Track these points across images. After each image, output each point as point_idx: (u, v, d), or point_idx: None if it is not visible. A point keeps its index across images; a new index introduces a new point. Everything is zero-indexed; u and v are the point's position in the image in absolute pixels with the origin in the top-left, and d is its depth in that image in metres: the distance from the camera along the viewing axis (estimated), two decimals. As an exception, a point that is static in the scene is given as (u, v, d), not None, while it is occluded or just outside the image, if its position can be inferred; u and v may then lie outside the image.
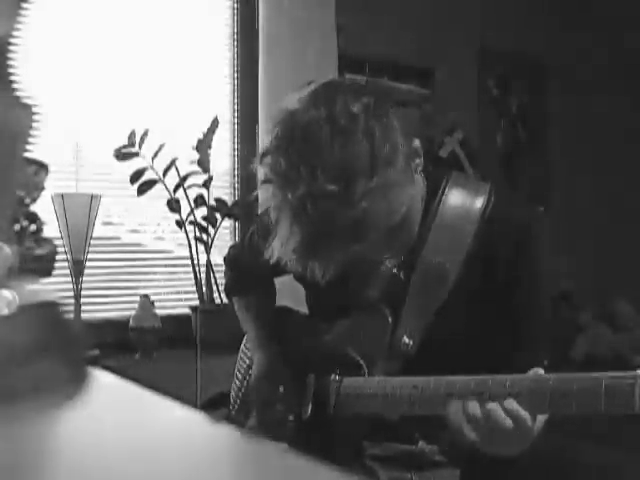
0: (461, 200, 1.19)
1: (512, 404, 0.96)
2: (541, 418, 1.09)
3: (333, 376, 1.20)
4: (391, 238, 1.10)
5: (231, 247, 1.59)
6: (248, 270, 1.47)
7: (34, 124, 0.46)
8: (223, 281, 1.61)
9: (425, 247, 1.18)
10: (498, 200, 1.19)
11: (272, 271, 1.46)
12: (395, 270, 1.21)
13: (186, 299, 2.44)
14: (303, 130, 0.99)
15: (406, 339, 1.17)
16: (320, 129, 0.98)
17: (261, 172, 1.05)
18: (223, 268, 1.60)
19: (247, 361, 1.45)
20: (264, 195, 1.09)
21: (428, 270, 1.18)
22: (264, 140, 1.07)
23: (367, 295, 1.23)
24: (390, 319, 1.19)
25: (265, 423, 1.33)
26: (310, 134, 0.98)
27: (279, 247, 1.05)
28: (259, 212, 2.30)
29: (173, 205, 2.29)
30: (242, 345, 1.49)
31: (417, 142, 1.09)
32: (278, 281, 1.52)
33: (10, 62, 0.46)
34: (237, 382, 1.45)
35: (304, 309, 1.41)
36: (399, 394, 1.08)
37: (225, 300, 2.30)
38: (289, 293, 1.51)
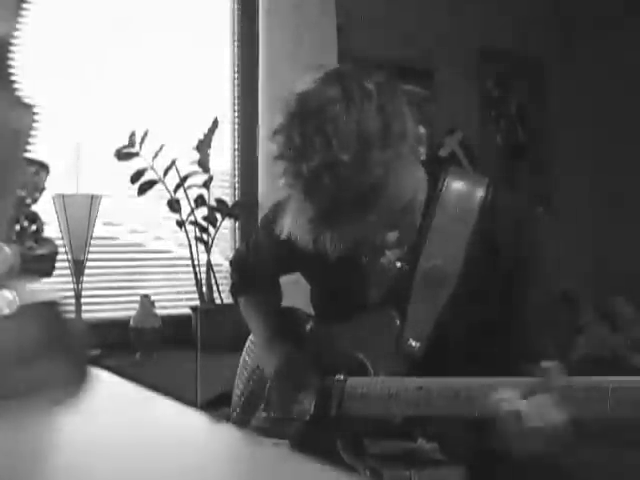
0: (461, 192, 1.21)
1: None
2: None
3: (337, 376, 1.20)
4: (395, 220, 1.10)
5: (237, 248, 1.59)
6: (254, 271, 1.47)
7: (35, 124, 0.46)
8: (226, 282, 1.61)
9: (427, 240, 1.19)
10: (497, 191, 1.21)
11: (277, 271, 1.47)
12: (399, 264, 1.21)
13: (186, 299, 2.44)
14: (318, 105, 1.02)
15: (412, 342, 1.17)
16: (335, 104, 1.01)
17: (272, 149, 1.06)
18: (223, 268, 1.60)
19: (251, 362, 1.44)
20: (267, 189, 1.11)
21: (431, 266, 1.18)
22: (272, 120, 1.09)
23: (371, 291, 1.23)
24: (398, 321, 1.19)
25: (287, 420, 1.31)
26: (325, 108, 1.01)
27: (290, 222, 1.07)
28: (259, 210, 2.30)
29: (173, 205, 2.29)
30: (246, 346, 1.49)
31: (422, 129, 1.12)
32: (283, 282, 1.52)
33: (11, 62, 0.46)
34: (241, 382, 1.44)
35: (307, 310, 1.41)
36: (403, 395, 1.08)
37: (225, 300, 2.30)
38: (293, 294, 1.51)
